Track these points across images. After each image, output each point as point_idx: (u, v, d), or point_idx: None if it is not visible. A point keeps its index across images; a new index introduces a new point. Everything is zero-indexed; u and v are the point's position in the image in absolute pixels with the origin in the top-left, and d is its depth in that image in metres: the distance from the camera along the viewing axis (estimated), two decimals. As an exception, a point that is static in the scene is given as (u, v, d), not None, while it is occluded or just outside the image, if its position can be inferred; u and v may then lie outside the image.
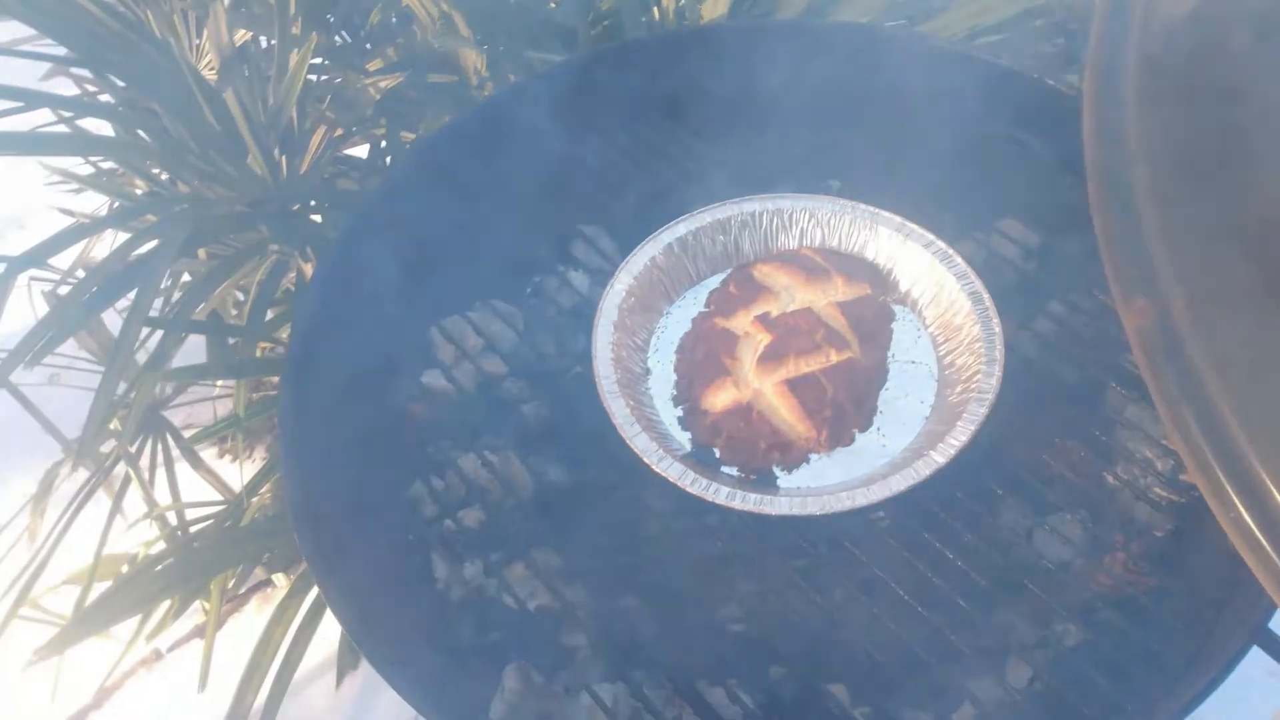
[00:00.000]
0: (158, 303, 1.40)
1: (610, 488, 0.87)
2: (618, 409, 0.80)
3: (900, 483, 0.74)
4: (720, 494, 0.75)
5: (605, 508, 0.87)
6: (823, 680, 0.78)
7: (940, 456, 0.75)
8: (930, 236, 0.88)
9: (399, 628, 0.78)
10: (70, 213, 1.63)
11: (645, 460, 0.77)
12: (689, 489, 0.75)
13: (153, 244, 1.23)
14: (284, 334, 1.53)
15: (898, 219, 0.90)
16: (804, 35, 1.05)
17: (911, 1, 1.83)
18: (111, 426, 1.39)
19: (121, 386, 1.47)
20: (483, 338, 0.95)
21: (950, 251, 0.87)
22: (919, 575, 0.76)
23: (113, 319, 1.46)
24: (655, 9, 1.54)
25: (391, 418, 0.91)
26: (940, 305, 0.87)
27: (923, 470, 0.75)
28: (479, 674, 0.81)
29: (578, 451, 0.89)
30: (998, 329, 0.81)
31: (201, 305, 1.40)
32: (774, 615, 0.80)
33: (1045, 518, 0.85)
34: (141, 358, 1.40)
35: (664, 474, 0.76)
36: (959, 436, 0.76)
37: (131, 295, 1.23)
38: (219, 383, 1.81)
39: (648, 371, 0.87)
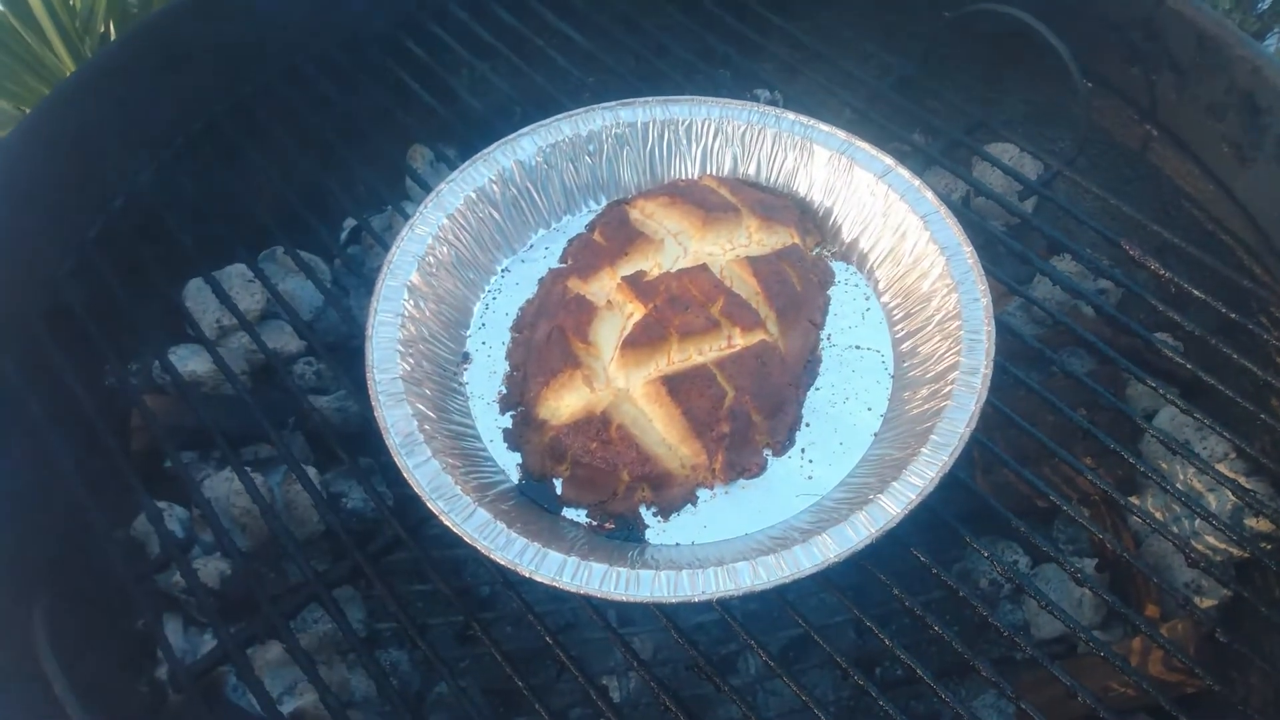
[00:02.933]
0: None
1: (422, 520, 0.56)
2: (394, 421, 0.48)
3: (830, 550, 0.44)
4: (545, 565, 0.44)
5: (431, 543, 0.56)
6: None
7: (894, 505, 0.44)
8: (887, 161, 0.57)
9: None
10: None
11: (431, 506, 0.46)
12: (497, 557, 0.44)
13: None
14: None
15: (841, 135, 0.58)
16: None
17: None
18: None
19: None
20: (269, 299, 0.62)
21: (916, 182, 0.55)
22: (828, 657, 0.46)
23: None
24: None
25: (112, 417, 0.58)
26: (899, 263, 0.55)
27: (865, 528, 0.44)
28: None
29: (385, 465, 0.59)
30: (985, 301, 0.50)
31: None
32: (651, 701, 0.50)
33: (1031, 573, 0.55)
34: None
35: (459, 530, 0.45)
36: (924, 472, 0.45)
37: None
38: None
39: (465, 357, 0.55)
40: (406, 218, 0.66)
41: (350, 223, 0.73)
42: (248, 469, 0.60)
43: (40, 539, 0.56)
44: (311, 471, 0.64)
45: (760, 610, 0.58)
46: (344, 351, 0.71)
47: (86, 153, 0.60)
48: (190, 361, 0.63)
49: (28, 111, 1.02)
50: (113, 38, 1.12)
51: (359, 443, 0.67)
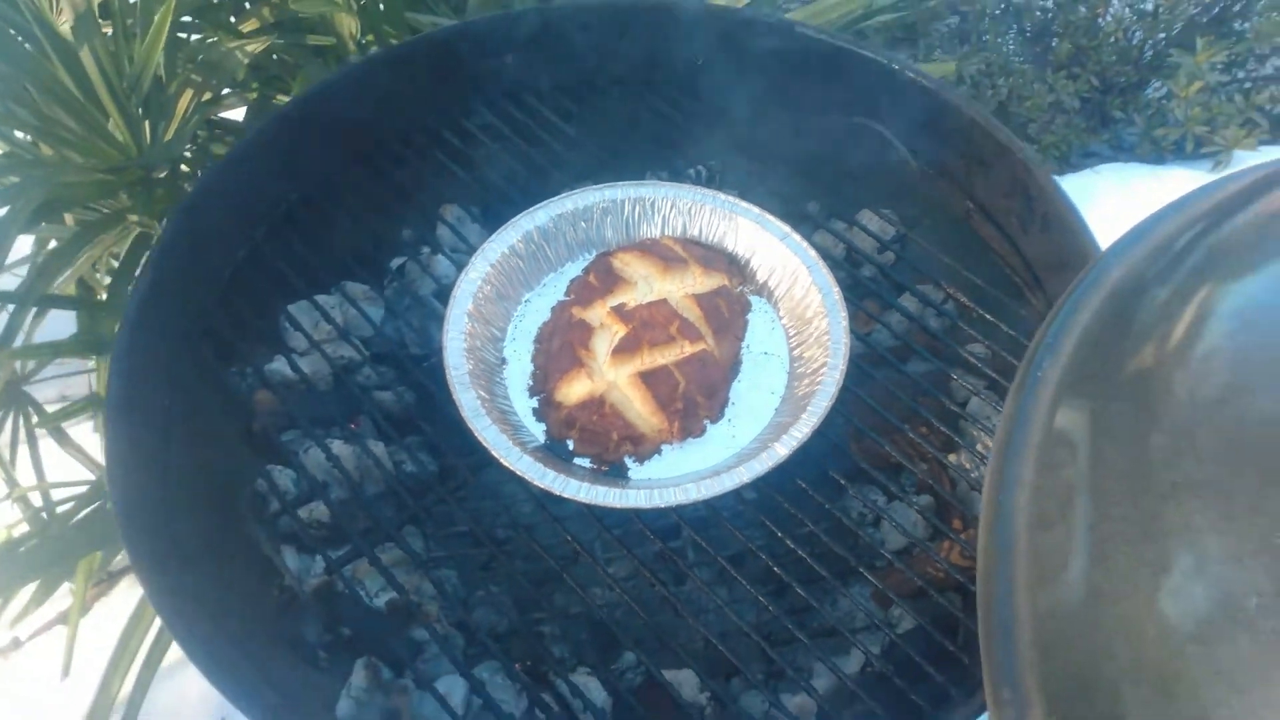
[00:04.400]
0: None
1: (463, 481, 0.85)
2: (467, 400, 0.77)
3: (745, 474, 0.74)
4: (569, 487, 0.74)
5: (460, 501, 0.85)
6: (671, 667, 0.78)
7: (783, 449, 0.75)
8: (786, 229, 0.88)
9: (241, 629, 0.75)
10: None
11: (494, 454, 0.75)
12: (537, 483, 0.74)
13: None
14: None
15: (756, 210, 0.89)
16: (674, 16, 1.02)
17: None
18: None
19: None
20: (332, 324, 0.91)
21: (804, 243, 0.87)
22: (763, 565, 0.76)
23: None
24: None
25: (235, 409, 0.86)
26: (793, 298, 0.87)
27: (766, 462, 0.75)
28: (327, 671, 0.79)
29: (437, 441, 0.87)
30: (844, 323, 0.82)
31: (65, 276, 1.32)
32: (625, 605, 0.79)
33: (887, 507, 0.86)
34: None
35: (513, 468, 0.75)
36: (801, 429, 0.76)
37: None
38: (62, 361, 1.72)
39: (504, 361, 0.85)
40: (444, 256, 0.96)
41: (397, 262, 1.02)
42: (339, 442, 0.89)
43: (204, 491, 0.83)
44: (380, 445, 0.92)
45: (710, 535, 0.87)
46: (393, 360, 0.99)
47: (226, 216, 0.88)
48: (287, 368, 0.91)
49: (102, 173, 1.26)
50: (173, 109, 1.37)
51: (410, 426, 0.95)
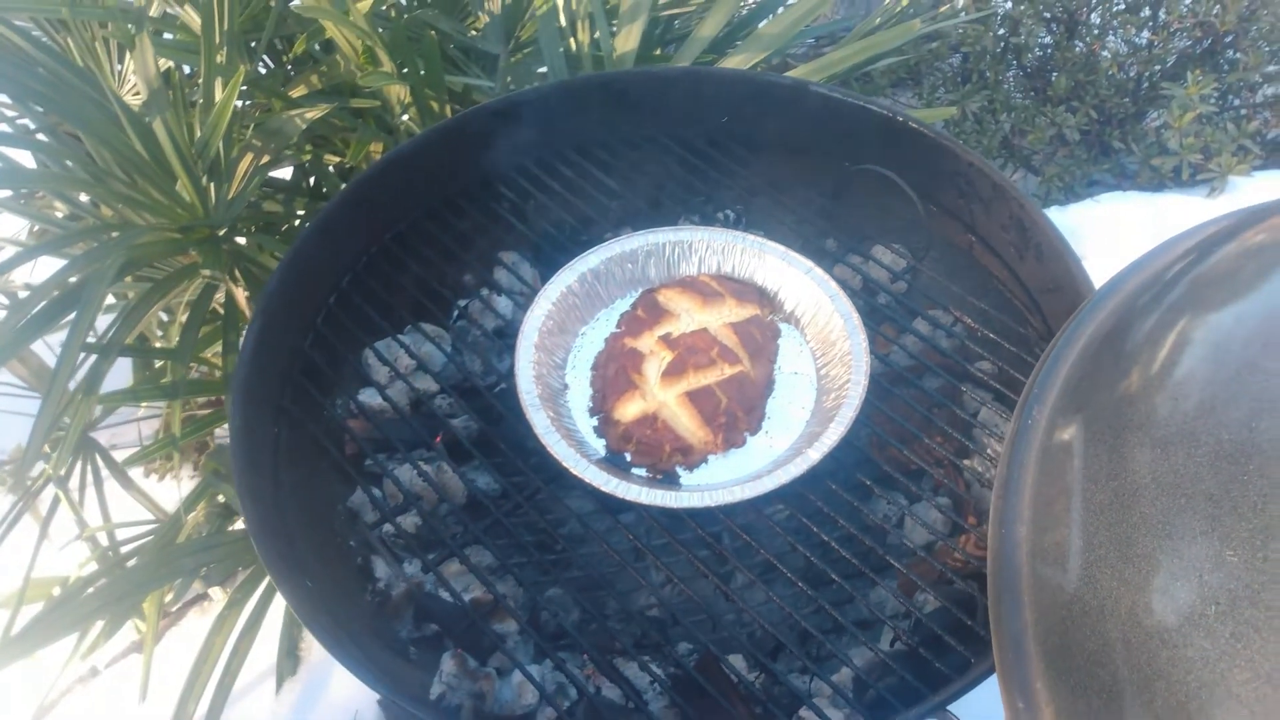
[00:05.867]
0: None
1: (534, 493, 1.01)
2: (539, 420, 0.93)
3: (783, 477, 0.90)
4: (631, 491, 0.90)
5: (529, 511, 1.00)
6: (723, 652, 0.93)
7: (816, 454, 0.91)
8: (809, 263, 1.05)
9: (348, 623, 0.90)
10: (-10, 237, 1.68)
11: (564, 465, 0.91)
12: (603, 489, 0.90)
13: (88, 270, 1.32)
14: (211, 355, 1.62)
15: (781, 248, 1.06)
16: (700, 81, 1.20)
17: (818, 26, 2.01)
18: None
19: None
20: (414, 358, 1.07)
21: (826, 276, 1.04)
22: (805, 561, 0.91)
23: (37, 346, 1.53)
24: (572, 40, 1.69)
25: (331, 435, 1.03)
26: (818, 324, 1.03)
27: (801, 466, 0.90)
28: (419, 662, 0.94)
29: (503, 461, 1.03)
30: (864, 344, 0.98)
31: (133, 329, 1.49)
32: (681, 600, 0.94)
33: (911, 506, 1.01)
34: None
35: (581, 476, 0.90)
36: (831, 436, 0.92)
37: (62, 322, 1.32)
38: (144, 404, 1.89)
39: (565, 386, 1.01)
40: (503, 296, 1.13)
41: (462, 303, 1.19)
42: (421, 463, 1.05)
43: (306, 506, 0.98)
44: (452, 466, 1.08)
45: (754, 537, 1.02)
46: (459, 391, 1.15)
47: (319, 267, 1.05)
48: (374, 398, 1.08)
49: (173, 232, 1.44)
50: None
51: (479, 448, 1.11)
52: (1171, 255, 0.82)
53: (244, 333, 0.94)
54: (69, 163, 1.46)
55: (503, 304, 1.15)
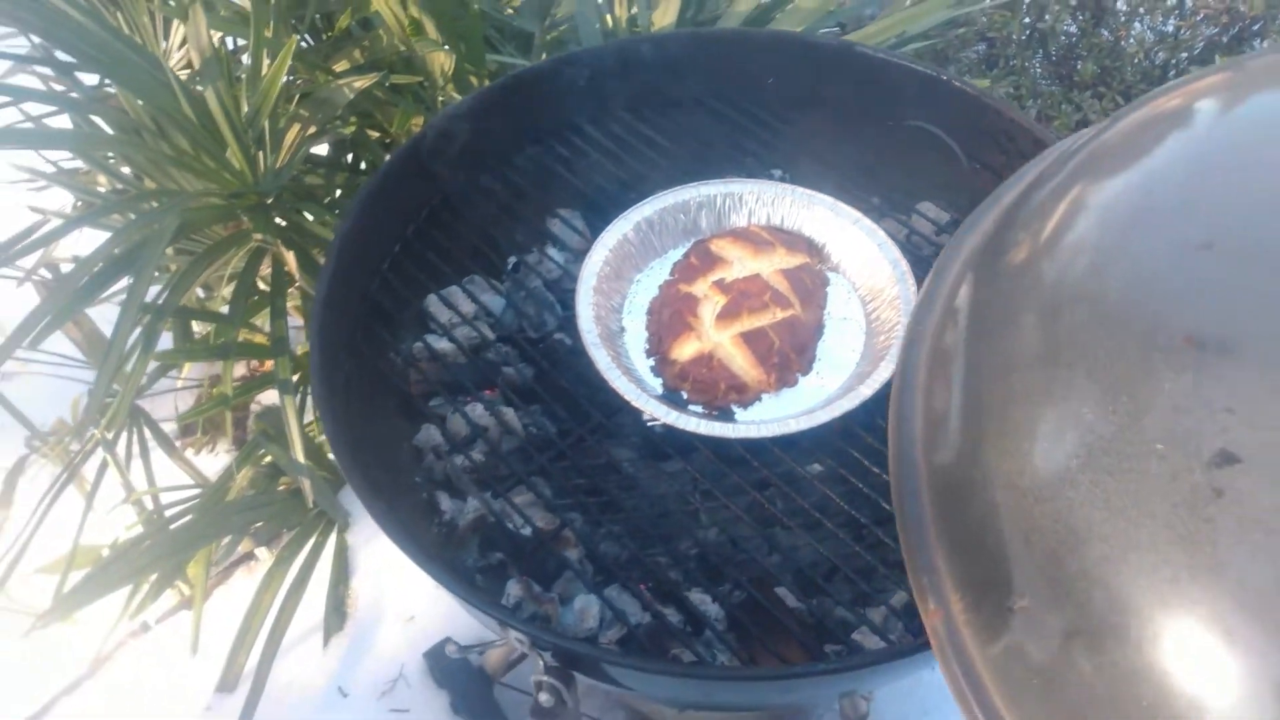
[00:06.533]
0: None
1: (586, 439, 1.06)
2: (600, 357, 0.99)
3: (835, 411, 0.95)
4: (690, 423, 0.95)
5: (583, 455, 1.06)
6: (771, 585, 0.98)
7: (867, 390, 0.97)
8: (857, 214, 1.10)
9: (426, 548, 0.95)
10: (39, 210, 1.75)
11: (625, 398, 0.96)
12: (663, 419, 0.95)
13: (146, 231, 1.38)
14: (258, 320, 1.68)
15: (829, 199, 1.12)
16: (746, 43, 1.27)
17: (843, 10, 2.08)
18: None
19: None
20: (476, 305, 1.13)
21: (875, 226, 1.09)
22: (842, 510, 0.96)
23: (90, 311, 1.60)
24: (608, 16, 1.76)
25: (398, 375, 1.08)
26: (866, 271, 1.09)
27: (853, 401, 0.96)
28: (485, 589, 0.99)
29: (558, 407, 1.08)
30: (913, 289, 1.03)
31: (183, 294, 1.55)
32: (727, 543, 1.00)
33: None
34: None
35: (643, 408, 0.96)
36: (883, 374, 0.97)
37: (115, 287, 1.38)
38: (181, 376, 1.95)
39: (623, 329, 1.07)
40: (556, 250, 1.19)
41: (513, 259, 1.25)
42: (479, 406, 1.10)
43: (373, 443, 1.04)
44: (509, 411, 1.14)
45: (797, 488, 1.07)
46: (513, 341, 1.21)
47: (380, 219, 1.12)
48: (439, 341, 1.14)
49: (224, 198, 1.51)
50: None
51: (531, 395, 1.16)
52: (1083, 134, 0.82)
53: (319, 274, 1.00)
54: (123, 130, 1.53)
55: (558, 255, 1.20)
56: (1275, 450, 0.46)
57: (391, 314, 1.10)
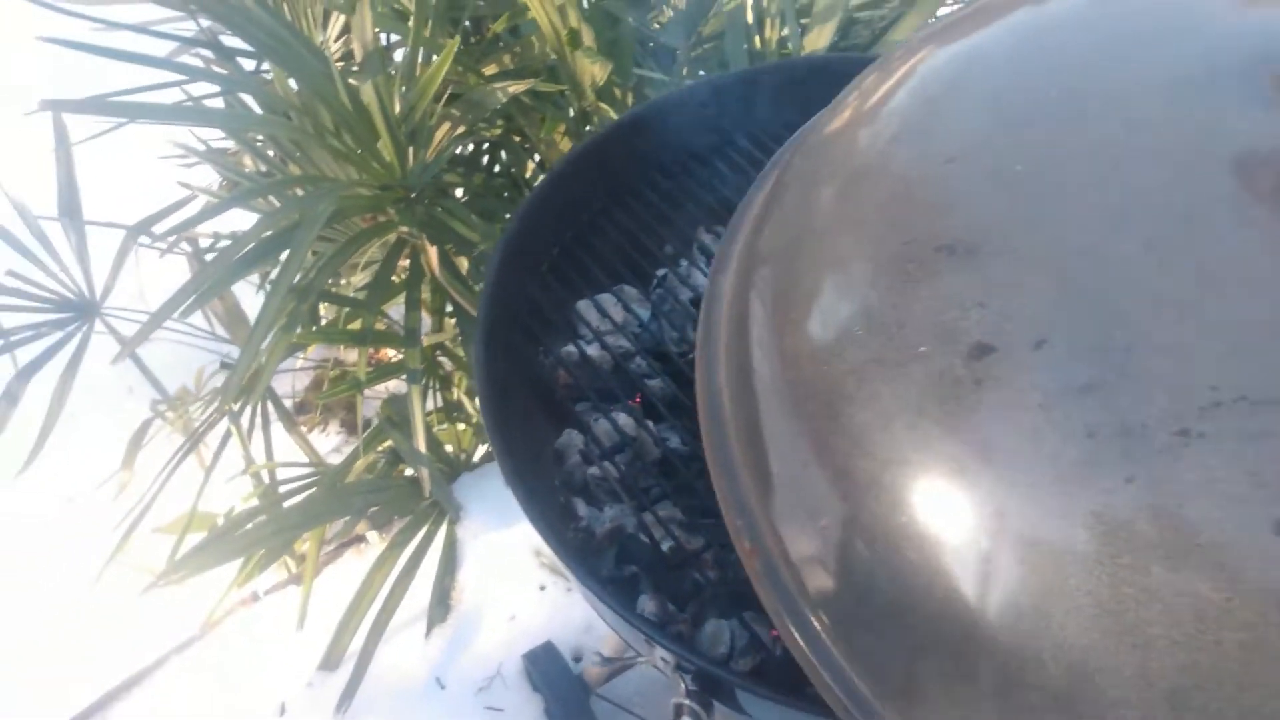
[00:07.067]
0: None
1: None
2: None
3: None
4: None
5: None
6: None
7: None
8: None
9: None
10: (187, 185, 1.84)
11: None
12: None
13: (302, 212, 1.44)
14: (389, 309, 1.73)
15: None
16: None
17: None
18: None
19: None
20: (627, 314, 1.15)
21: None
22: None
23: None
24: (757, 37, 1.77)
25: (547, 377, 1.11)
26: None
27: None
28: (618, 601, 1.00)
29: (693, 425, 1.09)
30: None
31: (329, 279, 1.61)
32: None
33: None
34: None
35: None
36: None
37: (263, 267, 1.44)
38: (304, 356, 2.02)
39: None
40: (690, 277, 1.20)
41: (660, 272, 1.26)
42: (623, 415, 1.12)
43: (523, 443, 1.06)
44: (650, 423, 1.15)
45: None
46: (657, 354, 1.22)
47: (549, 220, 1.14)
48: (590, 348, 1.16)
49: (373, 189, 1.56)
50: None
51: (673, 410, 1.17)
52: (869, 69, 0.81)
53: (485, 269, 1.03)
54: (289, 115, 1.59)
55: (699, 277, 1.21)
56: (1023, 335, 0.50)
57: (548, 316, 1.12)
